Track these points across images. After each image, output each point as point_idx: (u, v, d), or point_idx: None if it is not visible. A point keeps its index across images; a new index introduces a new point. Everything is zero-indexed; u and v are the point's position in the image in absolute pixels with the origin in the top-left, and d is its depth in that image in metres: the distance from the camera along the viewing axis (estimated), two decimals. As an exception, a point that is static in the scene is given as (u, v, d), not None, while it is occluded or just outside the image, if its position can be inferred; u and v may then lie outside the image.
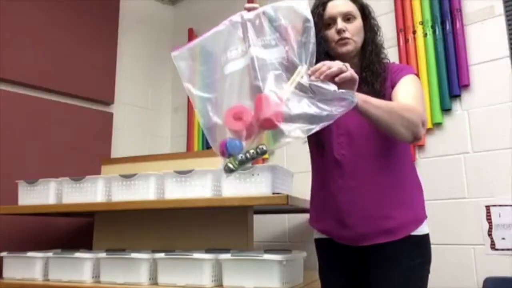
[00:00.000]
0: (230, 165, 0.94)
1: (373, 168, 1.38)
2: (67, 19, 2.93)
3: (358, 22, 1.43)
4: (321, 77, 1.03)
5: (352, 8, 1.43)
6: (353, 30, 1.41)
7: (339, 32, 1.39)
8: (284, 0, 1.08)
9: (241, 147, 0.94)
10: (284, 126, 0.93)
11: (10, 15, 2.64)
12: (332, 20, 1.41)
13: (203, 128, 1.07)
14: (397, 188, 1.39)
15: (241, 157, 0.93)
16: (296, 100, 0.96)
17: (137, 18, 3.49)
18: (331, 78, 1.04)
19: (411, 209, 1.40)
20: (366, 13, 1.46)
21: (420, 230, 1.39)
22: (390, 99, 1.38)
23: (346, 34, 1.39)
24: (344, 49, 1.40)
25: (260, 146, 0.94)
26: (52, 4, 2.84)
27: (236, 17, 1.11)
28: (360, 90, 1.35)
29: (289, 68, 1.03)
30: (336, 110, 0.96)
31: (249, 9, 1.14)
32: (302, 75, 0.99)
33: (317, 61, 1.19)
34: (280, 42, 1.05)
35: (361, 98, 1.16)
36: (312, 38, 1.03)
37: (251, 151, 0.94)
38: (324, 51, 1.40)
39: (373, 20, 1.47)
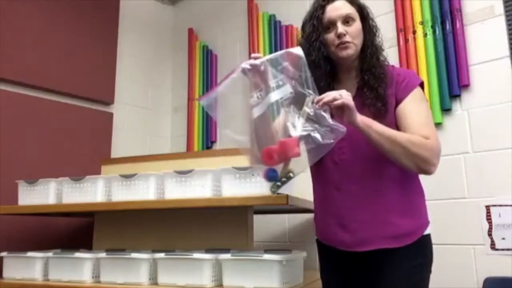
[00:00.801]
0: (273, 189, 1.29)
1: (374, 173, 1.37)
2: (67, 19, 2.93)
3: (357, 25, 1.40)
4: (321, 104, 1.21)
5: (351, 10, 1.41)
6: (353, 33, 1.39)
7: (339, 36, 1.38)
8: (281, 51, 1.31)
9: (277, 176, 1.26)
10: (303, 156, 1.24)
11: (10, 15, 2.64)
12: (332, 24, 1.40)
13: (248, 161, 1.36)
14: (400, 194, 1.38)
15: (277, 183, 1.27)
16: (306, 134, 1.23)
17: (137, 18, 3.49)
18: (327, 105, 1.22)
19: (414, 217, 1.39)
20: (364, 14, 1.44)
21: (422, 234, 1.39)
22: (393, 108, 1.38)
23: (347, 38, 1.38)
24: (344, 53, 1.39)
25: (288, 174, 1.26)
26: (52, 4, 2.84)
27: (245, 65, 1.28)
28: (364, 95, 1.37)
29: (297, 100, 1.25)
30: (331, 138, 1.22)
31: (255, 58, 1.27)
32: (309, 106, 1.23)
33: (317, 66, 1.38)
34: (286, 81, 1.26)
35: (363, 121, 1.25)
36: (309, 73, 1.25)
37: (283, 178, 1.26)
38: (324, 56, 1.40)
39: (372, 21, 1.45)
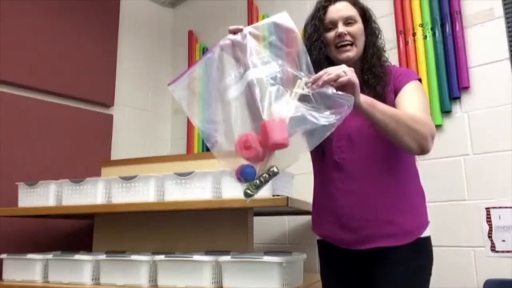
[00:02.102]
0: (249, 191, 1.00)
1: (374, 172, 1.37)
2: (67, 21, 2.93)
3: (359, 26, 1.42)
4: (320, 83, 1.05)
5: (353, 12, 1.42)
6: (354, 34, 1.40)
7: (339, 36, 1.39)
8: (265, 19, 1.12)
9: (254, 173, 0.99)
10: (291, 145, 0.98)
11: (10, 17, 2.64)
12: (333, 24, 1.41)
13: (218, 158, 1.08)
14: (399, 194, 1.38)
15: (256, 182, 0.99)
16: (299, 115, 1.00)
17: (137, 21, 3.50)
18: (329, 84, 1.07)
19: (414, 216, 1.39)
20: (367, 17, 1.45)
21: (424, 234, 1.39)
22: (392, 104, 1.37)
23: (348, 37, 1.39)
24: (344, 55, 1.40)
25: (271, 169, 0.99)
26: (52, 6, 2.84)
27: (224, 41, 1.12)
28: (362, 93, 1.35)
29: (285, 81, 1.05)
30: (336, 117, 1.00)
31: (234, 31, 1.13)
32: (302, 87, 1.03)
33: (318, 66, 1.22)
34: (272, 58, 1.07)
35: (367, 102, 1.18)
36: (302, 47, 1.07)
37: (264, 174, 0.99)
38: (325, 56, 1.41)
39: (374, 23, 1.46)
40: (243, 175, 0.99)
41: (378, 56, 1.43)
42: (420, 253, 1.37)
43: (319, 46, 1.40)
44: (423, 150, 1.26)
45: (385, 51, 1.47)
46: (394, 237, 1.34)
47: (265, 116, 0.98)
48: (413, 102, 1.33)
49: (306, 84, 1.04)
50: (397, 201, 1.37)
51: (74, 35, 2.96)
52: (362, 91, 1.33)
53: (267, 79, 1.04)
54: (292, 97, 1.02)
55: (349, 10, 1.41)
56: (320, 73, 1.07)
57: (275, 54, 1.08)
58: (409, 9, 2.44)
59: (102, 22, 3.15)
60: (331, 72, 1.08)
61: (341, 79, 1.07)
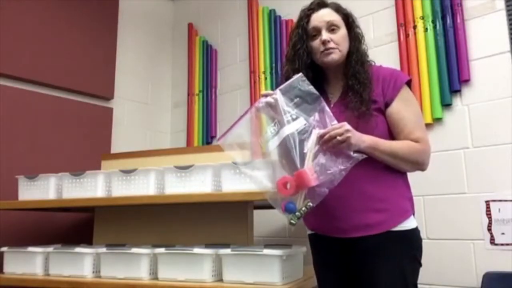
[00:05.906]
0: (293, 221, 1.28)
1: (363, 164, 1.37)
2: (67, 14, 2.92)
3: (342, 32, 1.47)
4: (326, 148, 1.28)
5: (336, 17, 1.47)
6: (338, 40, 1.45)
7: (323, 43, 1.44)
8: (288, 81, 1.37)
9: (295, 208, 1.28)
10: (318, 186, 1.28)
11: (10, 10, 2.63)
12: (317, 31, 1.46)
13: (267, 198, 1.33)
14: (387, 183, 1.42)
15: (298, 214, 1.27)
16: (323, 162, 1.29)
17: (137, 13, 3.48)
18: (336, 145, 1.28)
19: (400, 202, 1.43)
20: (349, 22, 1.50)
21: (408, 225, 1.41)
22: (381, 106, 1.43)
23: (331, 45, 1.44)
24: (329, 58, 1.45)
25: (308, 204, 1.27)
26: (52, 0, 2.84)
27: (259, 104, 1.35)
28: (348, 98, 1.43)
29: (310, 131, 1.31)
30: (346, 163, 1.29)
31: (266, 95, 1.35)
32: (315, 143, 1.29)
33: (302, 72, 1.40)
34: (299, 114, 1.32)
35: (369, 146, 1.34)
36: (319, 107, 1.33)
37: (303, 208, 1.27)
38: (306, 64, 1.46)
39: (357, 28, 1.51)
40: (287, 209, 1.28)
41: (361, 62, 1.47)
42: (407, 244, 1.40)
43: (302, 54, 1.47)
44: (420, 170, 1.45)
45: (368, 56, 1.51)
46: (381, 224, 1.38)
47: (299, 166, 1.27)
48: (406, 122, 1.42)
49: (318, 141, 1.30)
50: (384, 191, 1.41)
51: (74, 27, 2.95)
52: (348, 96, 1.43)
53: (297, 132, 1.30)
54: (312, 153, 1.28)
55: (332, 16, 1.47)
56: (326, 137, 1.27)
57: (301, 110, 1.32)
58: (410, 1, 2.42)
59: (102, 14, 3.14)
60: (334, 135, 1.26)
61: (343, 145, 1.27)
